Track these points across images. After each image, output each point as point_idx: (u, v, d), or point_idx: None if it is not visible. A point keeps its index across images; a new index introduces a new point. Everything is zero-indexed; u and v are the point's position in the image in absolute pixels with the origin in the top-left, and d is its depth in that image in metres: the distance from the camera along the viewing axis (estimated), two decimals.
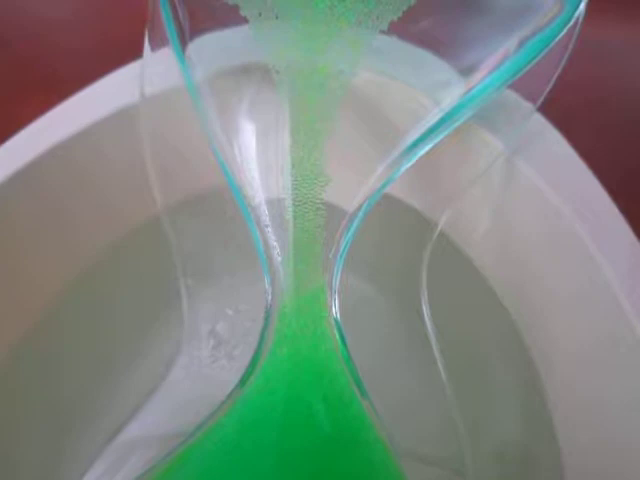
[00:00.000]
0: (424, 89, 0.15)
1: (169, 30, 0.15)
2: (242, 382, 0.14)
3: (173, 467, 0.14)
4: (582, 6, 0.14)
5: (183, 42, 0.15)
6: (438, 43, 0.15)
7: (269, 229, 0.14)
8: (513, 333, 0.16)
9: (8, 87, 0.32)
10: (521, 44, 0.14)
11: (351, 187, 0.15)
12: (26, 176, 0.15)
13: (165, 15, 0.14)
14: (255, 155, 0.15)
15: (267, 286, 0.14)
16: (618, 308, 0.12)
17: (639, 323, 0.12)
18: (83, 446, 0.16)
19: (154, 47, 0.15)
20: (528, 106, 0.15)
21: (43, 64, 0.33)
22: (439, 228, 0.17)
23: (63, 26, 0.34)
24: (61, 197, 0.16)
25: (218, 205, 0.15)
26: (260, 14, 0.14)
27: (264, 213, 0.14)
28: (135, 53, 0.18)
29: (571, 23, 0.14)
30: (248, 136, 0.15)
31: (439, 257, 0.17)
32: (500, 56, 0.14)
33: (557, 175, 0.14)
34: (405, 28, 0.14)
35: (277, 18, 0.14)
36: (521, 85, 0.15)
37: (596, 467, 0.13)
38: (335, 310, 0.14)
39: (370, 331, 0.17)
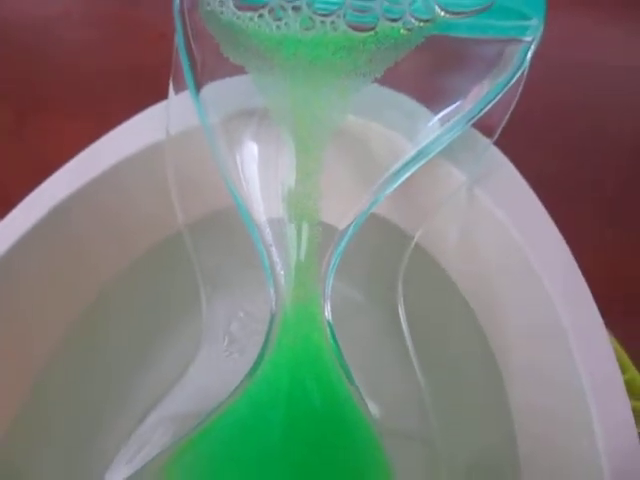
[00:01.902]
0: (401, 129, 0.17)
1: (187, 75, 0.17)
2: (252, 372, 0.16)
3: (194, 442, 0.16)
4: (528, 58, 0.16)
5: (198, 86, 0.17)
6: (414, 89, 0.17)
7: (273, 248, 0.16)
8: (476, 328, 0.18)
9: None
10: (483, 90, 0.16)
11: (341, 209, 0.17)
12: (65, 205, 0.17)
13: (184, 65, 0.17)
14: (258, 182, 0.16)
15: (271, 294, 0.16)
16: (552, 307, 0.14)
17: (565, 316, 0.14)
18: (120, 424, 0.18)
19: (178, 90, 0.17)
20: (486, 141, 0.17)
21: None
22: (414, 241, 0.18)
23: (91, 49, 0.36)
24: (110, 216, 0.18)
25: (230, 224, 0.17)
26: (258, 68, 0.16)
27: (268, 232, 0.16)
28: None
29: (525, 66, 0.16)
30: (252, 166, 0.17)
31: (416, 266, 0.19)
32: (465, 101, 0.16)
33: (509, 202, 0.16)
34: (386, 78, 0.16)
35: (275, 74, 0.16)
36: (480, 123, 0.17)
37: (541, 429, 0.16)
38: (327, 313, 0.16)
39: (356, 330, 0.19)
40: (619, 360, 0.21)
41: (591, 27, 0.35)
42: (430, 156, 0.17)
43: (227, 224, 0.17)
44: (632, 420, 0.14)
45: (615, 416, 0.14)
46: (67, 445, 0.18)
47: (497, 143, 0.17)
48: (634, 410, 0.21)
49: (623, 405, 0.14)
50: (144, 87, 0.32)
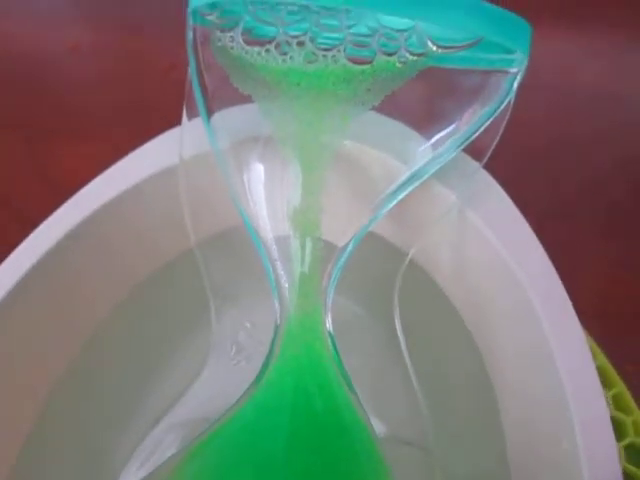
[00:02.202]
0: (396, 153, 0.18)
1: (199, 104, 0.18)
2: (258, 379, 0.17)
3: (204, 446, 0.17)
4: (514, 88, 0.17)
5: (209, 114, 0.18)
6: (409, 116, 0.18)
7: (278, 262, 0.17)
8: (466, 337, 0.19)
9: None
10: (473, 117, 0.17)
11: (341, 227, 0.18)
12: (88, 223, 0.18)
13: (197, 94, 0.18)
14: (265, 202, 0.17)
15: (276, 305, 0.17)
16: (538, 323, 0.15)
17: (553, 339, 0.15)
18: (133, 430, 0.19)
19: (190, 117, 0.18)
20: (475, 164, 0.18)
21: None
22: (409, 257, 0.19)
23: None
24: (114, 243, 0.19)
25: (238, 241, 0.18)
26: (265, 97, 0.17)
27: (273, 248, 0.17)
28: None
29: (511, 97, 0.17)
30: (259, 187, 0.18)
31: (412, 282, 0.20)
32: (456, 127, 0.18)
33: (497, 222, 0.17)
34: (383, 106, 0.17)
35: (280, 103, 0.17)
36: (469, 148, 0.18)
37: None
38: (328, 324, 0.17)
39: (355, 342, 0.20)
40: (607, 376, 0.23)
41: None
42: (423, 178, 0.18)
43: (235, 241, 0.18)
44: (611, 434, 0.15)
45: (596, 431, 0.15)
46: (83, 450, 0.19)
47: (501, 168, 0.19)
48: (622, 423, 0.22)
49: (604, 425, 0.14)
50: (154, 115, 0.34)
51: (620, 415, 0.21)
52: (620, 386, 0.22)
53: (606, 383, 0.23)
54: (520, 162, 0.31)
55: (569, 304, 0.15)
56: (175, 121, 0.20)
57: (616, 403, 0.22)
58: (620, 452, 0.21)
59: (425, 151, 0.17)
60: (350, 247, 0.18)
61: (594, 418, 0.14)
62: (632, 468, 0.20)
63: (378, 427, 0.17)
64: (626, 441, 0.21)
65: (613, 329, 0.26)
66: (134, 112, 0.35)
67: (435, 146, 0.17)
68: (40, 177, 0.33)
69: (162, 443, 0.18)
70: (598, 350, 0.23)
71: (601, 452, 0.14)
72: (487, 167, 0.18)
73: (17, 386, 0.17)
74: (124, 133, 0.33)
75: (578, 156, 0.32)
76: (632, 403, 0.22)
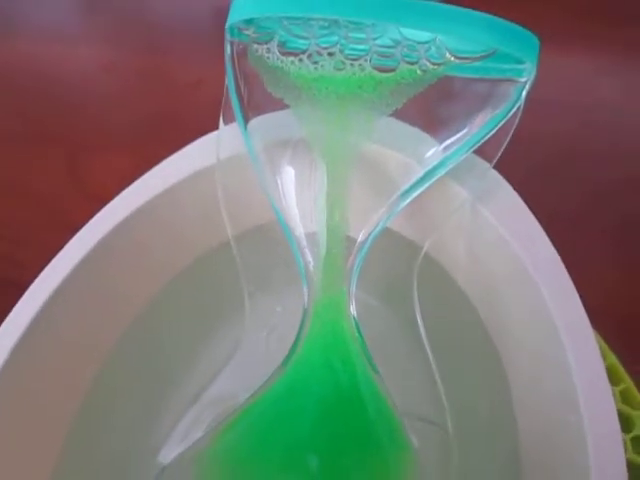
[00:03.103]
0: (412, 154, 0.19)
1: (236, 110, 0.19)
2: (288, 357, 0.18)
3: (241, 418, 0.18)
4: (523, 96, 0.18)
5: (245, 119, 0.19)
6: (424, 119, 0.19)
7: (307, 253, 0.18)
8: (479, 325, 0.20)
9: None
10: (484, 122, 0.19)
11: (361, 223, 0.19)
12: (126, 224, 0.19)
13: (234, 101, 0.19)
14: (295, 200, 0.19)
15: (305, 291, 0.18)
16: (547, 312, 0.17)
17: (561, 325, 0.17)
18: (175, 407, 0.20)
19: (226, 122, 0.19)
20: (486, 165, 0.19)
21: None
22: (424, 251, 0.20)
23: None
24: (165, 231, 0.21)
25: (271, 235, 0.19)
26: (297, 101, 0.19)
27: (303, 241, 0.18)
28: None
29: (520, 103, 0.19)
30: (290, 186, 0.19)
31: (428, 275, 0.21)
32: (468, 130, 0.19)
33: (507, 217, 0.18)
34: (404, 109, 0.19)
35: (310, 105, 0.19)
36: (481, 150, 0.19)
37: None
38: (352, 308, 0.18)
39: (373, 330, 0.21)
40: (615, 373, 0.24)
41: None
42: (437, 177, 0.19)
43: (267, 235, 0.20)
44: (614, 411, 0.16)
45: (598, 402, 0.16)
46: (129, 426, 0.20)
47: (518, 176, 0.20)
48: (629, 416, 0.23)
49: (608, 403, 0.15)
50: (183, 127, 0.35)
51: (627, 409, 0.23)
52: (628, 382, 0.23)
53: (614, 380, 0.24)
54: (535, 171, 0.32)
55: (573, 288, 0.17)
56: (204, 131, 0.21)
57: (624, 398, 0.23)
58: (627, 444, 0.22)
59: (438, 152, 0.19)
60: (369, 241, 0.19)
61: (599, 394, 0.15)
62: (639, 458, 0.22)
63: (398, 403, 0.18)
64: (633, 433, 0.22)
65: (622, 330, 0.27)
66: (165, 125, 0.36)
67: (448, 147, 0.18)
68: (78, 187, 0.35)
69: (201, 418, 0.19)
70: (607, 348, 0.24)
71: (605, 425, 0.15)
72: (504, 173, 0.20)
73: (74, 361, 0.19)
74: (156, 145, 0.34)
75: (590, 169, 0.34)
76: (615, 362, 0.23)
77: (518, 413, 0.19)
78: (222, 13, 0.19)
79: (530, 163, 0.32)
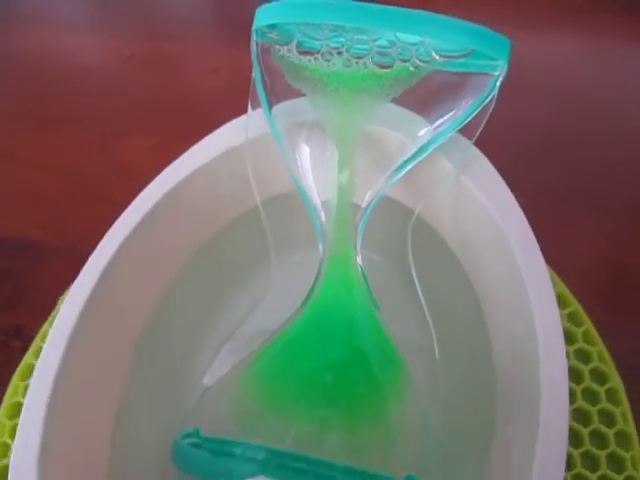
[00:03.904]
0: (407, 133, 0.23)
1: (262, 98, 0.22)
2: (306, 299, 0.22)
3: (269, 349, 0.22)
4: (497, 86, 0.22)
5: (270, 105, 0.23)
6: (417, 105, 0.23)
7: (322, 217, 0.22)
8: (461, 272, 0.24)
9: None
10: (465, 107, 0.22)
11: (364, 191, 0.23)
12: (176, 190, 0.23)
13: (259, 91, 0.23)
14: (311, 173, 0.22)
15: (320, 248, 0.22)
16: (512, 255, 0.20)
17: (524, 269, 0.20)
18: (214, 341, 0.25)
19: (253, 108, 0.23)
20: (467, 142, 0.23)
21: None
22: (416, 214, 0.24)
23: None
24: (205, 197, 0.24)
25: (291, 201, 0.23)
26: (312, 91, 0.22)
27: (319, 207, 0.22)
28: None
29: (495, 92, 0.22)
30: (307, 162, 0.22)
31: (421, 235, 0.24)
32: (453, 114, 0.22)
33: (484, 185, 0.22)
34: (399, 99, 0.22)
35: (323, 94, 0.22)
36: (463, 130, 0.22)
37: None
38: (359, 260, 0.22)
39: (375, 281, 0.25)
40: (564, 298, 0.27)
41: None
42: (427, 152, 0.22)
43: (289, 201, 0.24)
44: (561, 333, 0.20)
45: (549, 330, 0.19)
46: (179, 354, 0.24)
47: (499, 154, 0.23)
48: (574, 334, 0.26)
49: (556, 329, 0.19)
50: (204, 110, 0.39)
51: (573, 328, 0.27)
52: (575, 305, 0.27)
53: (577, 322, 0.28)
54: (517, 149, 0.36)
55: (535, 243, 0.20)
56: (221, 113, 0.24)
57: (571, 319, 0.27)
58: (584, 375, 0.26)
59: (429, 131, 0.22)
60: (371, 206, 0.23)
61: (550, 319, 0.19)
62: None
63: (394, 333, 0.22)
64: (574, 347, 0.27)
65: (598, 289, 0.31)
66: (185, 108, 0.40)
67: (437, 128, 0.22)
68: (109, 164, 0.38)
69: (235, 351, 0.23)
70: (558, 279, 0.28)
71: (554, 347, 0.19)
72: (485, 150, 0.23)
73: (136, 298, 0.23)
74: (178, 126, 0.38)
75: (567, 148, 0.37)
76: (584, 317, 0.27)
77: (492, 337, 0.22)
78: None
79: (513, 142, 0.35)
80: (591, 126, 0.37)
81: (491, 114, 0.22)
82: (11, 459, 0.17)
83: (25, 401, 0.19)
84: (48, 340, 0.20)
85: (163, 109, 0.40)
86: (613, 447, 0.24)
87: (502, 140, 0.24)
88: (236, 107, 0.24)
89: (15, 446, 0.18)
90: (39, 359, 0.20)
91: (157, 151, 0.37)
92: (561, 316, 0.22)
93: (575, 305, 0.28)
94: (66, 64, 0.44)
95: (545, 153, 0.36)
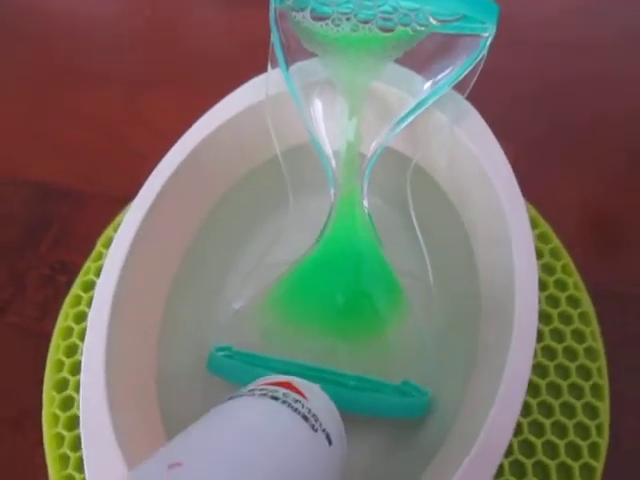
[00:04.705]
0: (407, 90, 0.25)
1: (280, 58, 0.25)
2: (320, 236, 0.25)
3: (289, 277, 0.25)
4: (487, 46, 0.24)
5: (287, 65, 0.25)
6: (416, 64, 0.25)
7: (333, 164, 0.25)
8: (453, 210, 0.27)
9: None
10: (459, 65, 0.25)
11: (369, 142, 0.25)
12: (201, 146, 0.26)
13: (278, 52, 0.25)
14: (324, 125, 0.25)
15: (331, 191, 0.25)
16: (496, 195, 0.23)
17: (505, 204, 0.23)
18: (241, 269, 0.28)
19: (273, 67, 0.25)
20: (460, 97, 0.25)
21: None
22: (414, 162, 0.26)
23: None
24: (234, 145, 0.27)
25: (306, 150, 0.26)
26: (324, 52, 0.25)
27: (331, 156, 0.25)
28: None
29: (484, 52, 0.24)
30: (319, 115, 0.25)
31: (419, 180, 0.27)
32: (447, 72, 0.25)
33: (474, 135, 0.24)
34: (401, 59, 0.25)
35: (334, 56, 0.25)
36: (457, 87, 0.25)
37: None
38: (365, 202, 0.25)
39: (378, 220, 0.28)
40: (558, 251, 0.31)
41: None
42: (425, 106, 0.25)
43: (304, 150, 0.26)
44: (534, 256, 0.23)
45: (524, 259, 0.22)
46: (212, 278, 0.28)
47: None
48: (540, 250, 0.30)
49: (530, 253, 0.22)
50: (221, 64, 0.41)
51: (553, 261, 0.30)
52: (556, 242, 0.30)
53: (544, 240, 0.31)
54: (508, 102, 0.38)
55: (514, 181, 0.23)
56: (237, 69, 0.27)
57: (552, 254, 0.30)
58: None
59: (427, 88, 0.25)
60: (375, 155, 0.26)
61: (525, 249, 0.22)
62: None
63: (394, 265, 0.25)
64: (554, 277, 0.30)
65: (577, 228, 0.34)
66: (203, 64, 0.42)
67: (434, 84, 0.25)
68: (135, 116, 0.41)
69: (260, 278, 0.27)
70: (542, 220, 0.31)
71: (528, 274, 0.22)
72: (476, 104, 0.25)
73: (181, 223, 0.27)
74: (198, 81, 0.41)
75: (552, 100, 0.39)
76: (564, 253, 0.30)
77: (479, 266, 0.26)
78: None
79: (503, 95, 0.38)
80: (577, 77, 0.39)
81: (481, 71, 0.25)
82: (82, 360, 0.21)
83: (91, 310, 0.23)
84: (112, 246, 0.24)
85: (184, 66, 0.43)
86: (582, 360, 0.27)
87: (493, 94, 0.27)
88: (249, 62, 0.26)
89: (85, 351, 0.22)
90: (102, 271, 0.23)
91: (177, 103, 0.40)
92: (543, 251, 0.26)
93: (556, 242, 0.31)
94: (91, 21, 0.46)
95: (533, 104, 0.38)
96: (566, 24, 0.42)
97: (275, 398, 0.17)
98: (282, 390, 0.18)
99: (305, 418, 0.17)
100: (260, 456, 0.14)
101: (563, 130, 0.38)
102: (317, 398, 0.18)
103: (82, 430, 0.20)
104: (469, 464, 0.18)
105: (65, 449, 0.27)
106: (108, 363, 0.21)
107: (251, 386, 0.19)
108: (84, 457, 0.20)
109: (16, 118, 0.42)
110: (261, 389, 0.18)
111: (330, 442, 0.17)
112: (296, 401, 0.17)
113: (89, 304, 0.31)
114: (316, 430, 0.17)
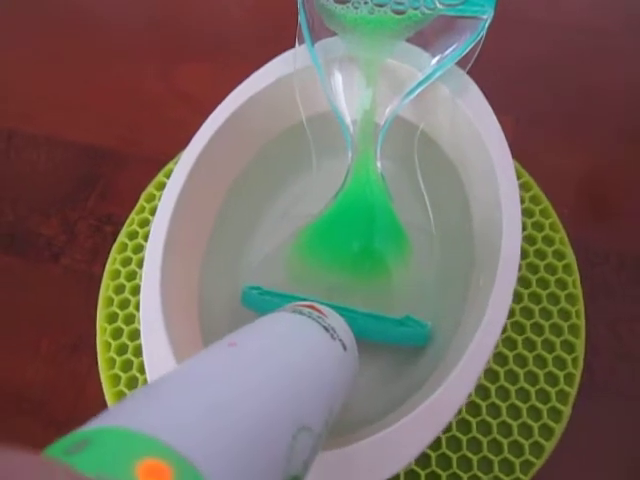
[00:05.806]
0: (416, 64, 0.29)
1: (306, 36, 0.28)
2: (339, 191, 0.29)
3: (312, 227, 0.29)
4: (485, 27, 0.28)
5: (312, 41, 0.29)
6: (424, 42, 0.29)
7: (351, 130, 0.29)
8: (454, 171, 0.30)
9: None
10: (461, 43, 0.28)
11: (381, 111, 0.29)
12: (238, 111, 0.30)
13: (304, 31, 0.29)
14: (343, 96, 0.29)
15: (349, 154, 0.29)
16: (489, 158, 0.27)
17: (497, 163, 0.27)
18: (269, 221, 0.32)
19: (300, 43, 0.29)
20: (461, 72, 0.28)
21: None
22: (420, 129, 0.30)
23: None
24: (268, 107, 0.31)
25: (328, 117, 0.30)
26: (344, 32, 0.28)
27: (349, 122, 0.29)
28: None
29: (483, 32, 0.28)
30: (340, 87, 0.29)
31: (425, 145, 0.30)
32: (451, 50, 0.28)
33: (473, 106, 0.28)
34: (412, 38, 0.28)
35: (353, 35, 0.28)
36: (459, 63, 0.28)
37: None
38: (379, 163, 0.29)
39: (389, 180, 0.31)
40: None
41: None
42: (432, 80, 0.28)
43: (326, 118, 0.30)
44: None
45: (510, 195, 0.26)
46: (243, 225, 0.32)
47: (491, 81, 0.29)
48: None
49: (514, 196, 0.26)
50: (246, 39, 0.44)
51: (542, 220, 0.33)
52: (545, 203, 0.34)
53: (535, 201, 0.34)
54: (508, 76, 0.40)
55: (505, 145, 0.27)
56: (262, 45, 0.30)
57: (542, 214, 0.34)
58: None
59: (433, 64, 0.28)
60: (387, 123, 0.29)
61: (511, 197, 0.26)
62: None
63: (402, 217, 0.29)
64: (542, 234, 0.33)
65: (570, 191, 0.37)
66: (232, 39, 0.45)
67: (439, 61, 0.28)
68: (170, 89, 0.44)
69: (287, 227, 0.30)
70: (534, 183, 0.35)
71: (513, 225, 0.26)
72: (476, 78, 0.29)
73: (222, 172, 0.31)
74: (227, 54, 0.44)
75: (552, 77, 0.41)
76: (552, 212, 0.34)
77: (474, 220, 0.29)
78: None
79: (501, 70, 0.40)
80: (574, 53, 0.42)
81: (481, 49, 0.28)
82: (142, 284, 0.25)
83: (148, 242, 0.27)
84: (168, 184, 0.28)
85: (212, 39, 0.46)
86: (563, 304, 0.31)
87: (492, 68, 0.30)
88: (267, 35, 0.29)
89: (144, 273, 0.26)
90: (159, 204, 0.27)
91: (209, 75, 0.43)
92: (534, 211, 0.30)
93: (546, 203, 0.34)
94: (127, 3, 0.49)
95: (531, 78, 0.41)
96: (567, 6, 0.44)
97: (302, 314, 0.21)
98: (307, 310, 0.22)
99: (325, 329, 0.21)
100: (292, 347, 0.18)
101: (559, 103, 0.40)
102: (334, 317, 0.22)
103: (142, 327, 0.25)
104: (462, 364, 0.22)
105: (116, 370, 0.32)
106: (162, 284, 0.25)
107: (284, 307, 0.23)
108: (143, 351, 0.24)
109: (67, 91, 0.45)
110: (292, 308, 0.22)
111: (345, 348, 0.21)
112: (318, 317, 0.21)
113: (134, 250, 0.35)
114: (334, 339, 0.21)
